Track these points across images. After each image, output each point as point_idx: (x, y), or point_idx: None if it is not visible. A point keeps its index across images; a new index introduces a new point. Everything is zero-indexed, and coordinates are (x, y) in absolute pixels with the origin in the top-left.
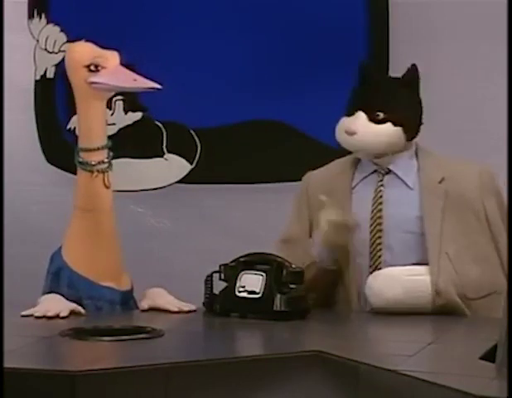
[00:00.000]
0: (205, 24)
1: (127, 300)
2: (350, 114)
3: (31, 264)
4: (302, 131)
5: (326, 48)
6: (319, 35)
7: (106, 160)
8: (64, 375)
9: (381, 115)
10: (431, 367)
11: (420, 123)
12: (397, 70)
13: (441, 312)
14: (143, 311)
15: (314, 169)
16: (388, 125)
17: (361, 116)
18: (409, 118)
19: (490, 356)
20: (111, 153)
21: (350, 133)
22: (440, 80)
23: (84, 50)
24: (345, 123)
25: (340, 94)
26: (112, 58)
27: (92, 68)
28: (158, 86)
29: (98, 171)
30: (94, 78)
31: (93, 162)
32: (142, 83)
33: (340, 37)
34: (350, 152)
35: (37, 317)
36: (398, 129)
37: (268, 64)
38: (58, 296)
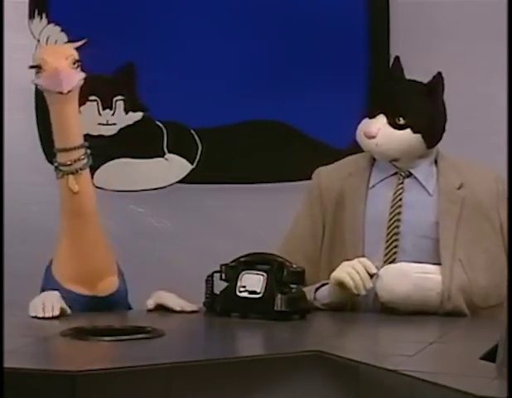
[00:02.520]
0: (206, 24)
1: (113, 305)
2: (372, 115)
3: (31, 264)
4: (302, 131)
5: (326, 48)
6: (319, 35)
7: (79, 161)
8: (64, 375)
9: (402, 121)
10: (431, 367)
11: (442, 132)
12: None
13: (445, 315)
14: (150, 311)
15: (314, 169)
16: (408, 131)
17: (382, 120)
18: (430, 126)
19: (490, 356)
20: (87, 153)
21: (369, 137)
22: None
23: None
24: (364, 125)
25: (340, 94)
26: (51, 61)
27: (37, 69)
28: (65, 90)
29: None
30: (36, 79)
31: (61, 167)
32: (60, 88)
33: (340, 37)
34: (351, 153)
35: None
36: (418, 136)
37: (268, 64)
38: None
